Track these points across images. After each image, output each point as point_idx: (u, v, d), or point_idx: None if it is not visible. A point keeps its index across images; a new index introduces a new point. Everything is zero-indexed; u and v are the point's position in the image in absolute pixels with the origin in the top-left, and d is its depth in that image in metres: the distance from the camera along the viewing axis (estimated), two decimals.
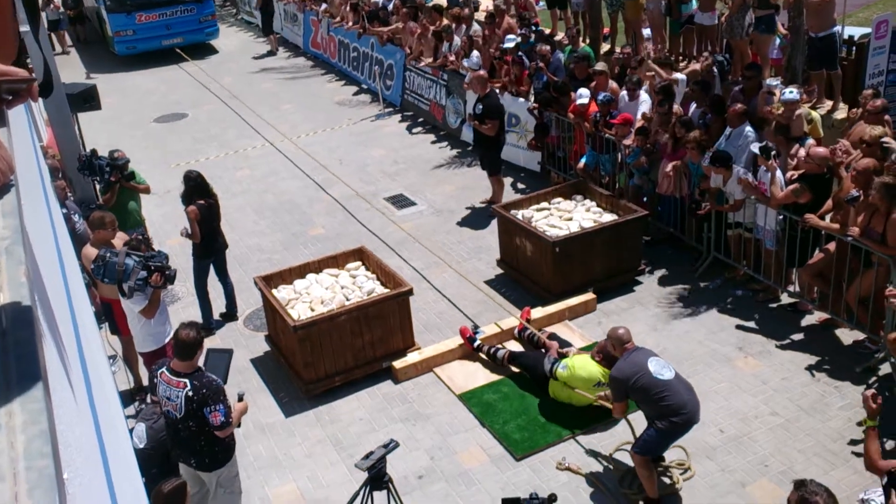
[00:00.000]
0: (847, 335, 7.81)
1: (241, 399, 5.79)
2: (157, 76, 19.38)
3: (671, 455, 6.38)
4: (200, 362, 5.65)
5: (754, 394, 7.16)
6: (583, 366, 6.95)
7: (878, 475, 4.51)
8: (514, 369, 7.67)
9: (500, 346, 7.92)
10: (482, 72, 11.38)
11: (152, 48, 20.06)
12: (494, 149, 10.84)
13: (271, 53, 20.38)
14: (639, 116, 9.87)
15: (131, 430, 6.04)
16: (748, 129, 8.69)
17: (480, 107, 10.59)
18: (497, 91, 11.44)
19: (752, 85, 9.42)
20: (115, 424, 2.98)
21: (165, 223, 11.30)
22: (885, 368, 7.15)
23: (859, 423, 4.51)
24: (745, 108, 8.85)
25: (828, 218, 7.71)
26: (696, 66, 10.70)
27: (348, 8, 17.74)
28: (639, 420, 6.40)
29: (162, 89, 18.36)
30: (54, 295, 2.47)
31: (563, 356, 7.24)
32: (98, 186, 9.27)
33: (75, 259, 4.16)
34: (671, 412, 5.77)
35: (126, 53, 20.16)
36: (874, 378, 7.20)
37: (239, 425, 5.75)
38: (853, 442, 6.48)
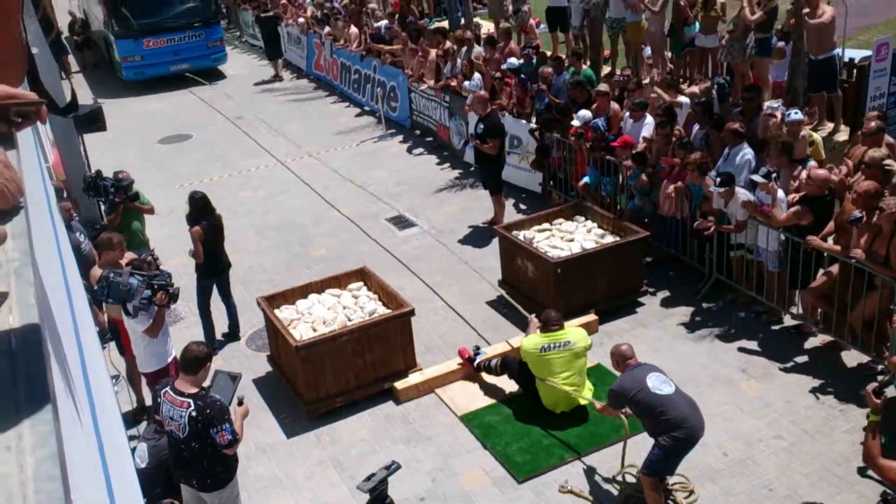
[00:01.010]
0: (851, 357, 7.78)
1: (241, 403, 5.75)
2: (163, 98, 19.45)
3: (674, 478, 6.34)
4: (207, 383, 5.65)
5: (758, 416, 7.13)
6: (528, 340, 7.19)
7: (874, 470, 4.54)
8: (514, 386, 7.64)
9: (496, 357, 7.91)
10: (482, 91, 11.45)
11: (160, 74, 19.82)
12: (496, 168, 10.90)
13: (277, 79, 20.14)
14: (641, 138, 9.90)
15: (133, 451, 6.02)
16: (746, 149, 8.71)
17: (482, 126, 10.65)
18: (497, 111, 11.50)
19: (751, 107, 9.47)
20: (118, 446, 2.98)
21: (169, 243, 11.31)
22: (890, 391, 7.11)
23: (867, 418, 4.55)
24: (741, 126, 8.87)
25: (830, 240, 7.71)
26: (694, 88, 10.75)
27: (351, 30, 17.89)
28: (635, 444, 6.38)
29: (167, 111, 18.45)
30: (60, 317, 2.48)
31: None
32: (103, 207, 9.31)
33: (79, 280, 4.17)
34: (671, 427, 5.74)
35: (134, 79, 19.93)
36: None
37: (242, 429, 5.71)
38: (859, 466, 6.44)
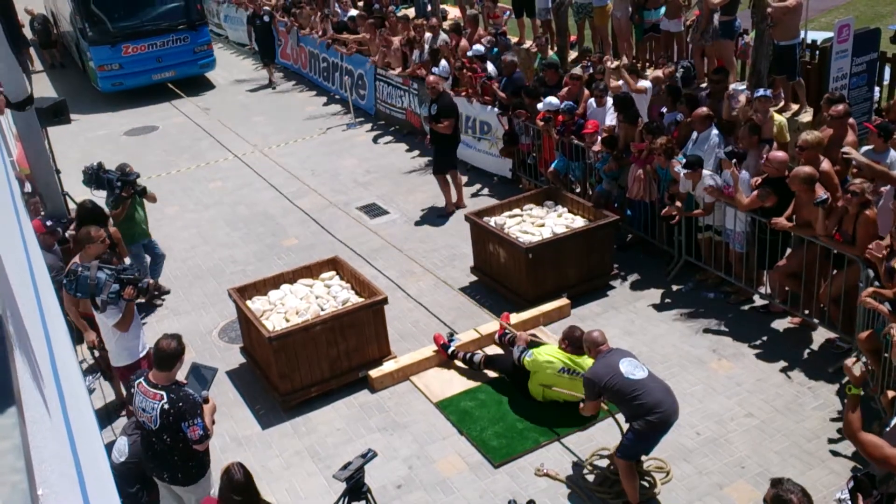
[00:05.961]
0: (819, 335, 7.90)
1: (206, 401, 5.68)
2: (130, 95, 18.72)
3: (650, 460, 6.41)
4: (182, 375, 5.60)
5: (729, 395, 7.23)
6: (546, 352, 7.04)
7: (854, 444, 4.59)
8: (492, 374, 7.68)
9: (476, 350, 7.93)
10: (431, 77, 11.49)
11: (142, 84, 17.85)
12: (449, 149, 11.10)
13: (271, 85, 18.43)
14: (607, 123, 9.94)
15: (113, 444, 5.97)
16: (714, 132, 8.79)
17: (435, 107, 10.84)
18: (452, 94, 11.60)
19: (719, 89, 9.54)
20: (90, 440, 2.94)
21: None
22: (857, 369, 7.23)
23: (847, 389, 4.62)
24: (710, 111, 8.95)
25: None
26: (658, 72, 10.81)
27: (317, 18, 17.73)
28: (611, 426, 6.45)
29: (131, 102, 18.13)
30: (26, 310, 2.44)
31: (534, 344, 7.37)
32: (107, 200, 9.03)
33: (47, 275, 4.11)
34: (645, 411, 5.78)
35: (112, 90, 17.93)
36: (847, 378, 7.28)
37: (213, 423, 5.66)
38: (829, 442, 6.57)
